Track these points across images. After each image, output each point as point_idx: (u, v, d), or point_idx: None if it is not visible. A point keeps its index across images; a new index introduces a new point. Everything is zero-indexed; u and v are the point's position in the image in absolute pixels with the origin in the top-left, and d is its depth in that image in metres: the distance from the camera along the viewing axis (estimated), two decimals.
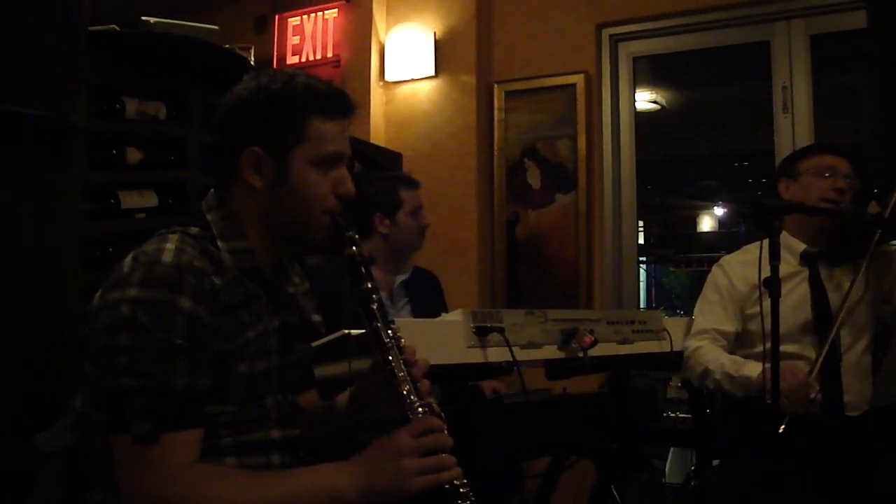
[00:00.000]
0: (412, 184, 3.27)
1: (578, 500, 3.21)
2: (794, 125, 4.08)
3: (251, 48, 4.13)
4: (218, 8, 5.09)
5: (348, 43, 4.72)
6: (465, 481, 1.51)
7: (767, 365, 2.23)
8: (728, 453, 2.88)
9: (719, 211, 10.61)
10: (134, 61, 2.98)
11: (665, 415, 3.58)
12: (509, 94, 4.57)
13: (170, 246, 1.49)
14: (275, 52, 4.86)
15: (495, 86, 4.60)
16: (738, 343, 2.79)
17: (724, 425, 2.98)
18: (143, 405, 1.38)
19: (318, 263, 2.92)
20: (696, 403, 3.22)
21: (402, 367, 1.58)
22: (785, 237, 2.72)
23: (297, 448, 1.67)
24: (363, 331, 1.67)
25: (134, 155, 3.03)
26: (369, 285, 1.63)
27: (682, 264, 10.11)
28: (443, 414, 1.58)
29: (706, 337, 2.78)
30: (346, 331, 2.07)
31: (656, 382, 3.56)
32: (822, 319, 2.67)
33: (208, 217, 1.61)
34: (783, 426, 2.35)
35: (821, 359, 2.51)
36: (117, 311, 1.41)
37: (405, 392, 1.56)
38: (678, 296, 9.75)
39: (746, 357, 2.70)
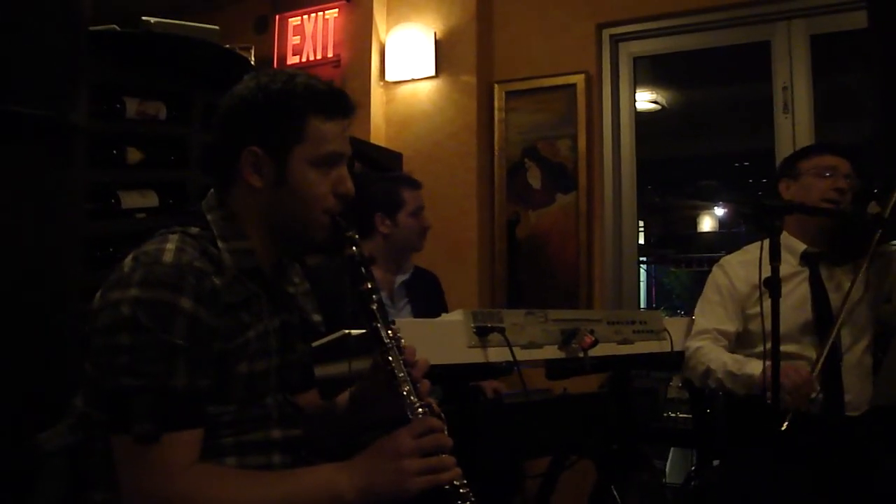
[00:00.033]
0: (414, 184, 3.27)
1: (579, 501, 3.20)
2: (794, 125, 4.08)
3: (251, 48, 4.13)
4: (218, 8, 5.10)
5: (349, 43, 4.72)
6: (466, 481, 1.51)
7: (769, 363, 2.23)
8: (728, 453, 2.88)
9: (720, 211, 10.61)
10: (134, 61, 2.98)
11: (665, 415, 3.58)
12: (510, 94, 4.57)
13: (170, 246, 1.50)
14: (275, 52, 4.86)
15: (496, 86, 4.60)
16: (738, 343, 2.79)
17: (724, 425, 2.98)
18: (143, 405, 1.38)
19: (318, 263, 2.92)
20: (696, 404, 3.22)
21: (402, 367, 1.58)
22: (785, 237, 2.72)
23: (298, 448, 1.67)
24: (363, 331, 1.67)
25: (134, 155, 3.03)
26: (369, 285, 1.63)
27: (683, 264, 10.12)
28: (443, 414, 1.58)
29: (707, 337, 2.78)
30: (347, 331, 2.07)
31: (657, 383, 3.56)
32: (822, 320, 2.67)
33: (208, 217, 1.61)
34: (786, 423, 2.36)
35: (822, 359, 2.51)
36: (118, 311, 1.41)
37: (405, 392, 1.56)
38: (678, 296, 9.76)
39: (747, 357, 2.70)
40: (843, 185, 2.70)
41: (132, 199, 3.00)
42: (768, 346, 2.24)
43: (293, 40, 4.86)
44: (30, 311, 2.13)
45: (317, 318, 1.86)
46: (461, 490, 1.50)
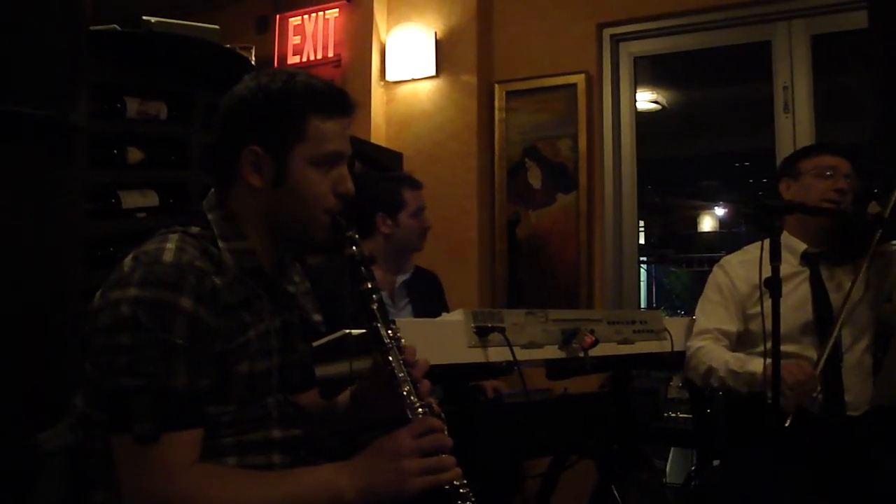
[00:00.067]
0: (415, 184, 3.27)
1: (579, 501, 3.20)
2: (794, 125, 4.08)
3: (252, 48, 4.13)
4: (219, 8, 5.10)
5: (349, 43, 4.72)
6: (466, 482, 1.51)
7: (769, 360, 2.23)
8: (728, 453, 2.88)
9: (720, 211, 10.63)
10: (135, 61, 2.98)
11: (666, 415, 3.59)
12: (510, 94, 4.57)
13: (170, 246, 1.50)
14: (276, 52, 4.86)
15: (496, 86, 4.60)
16: (739, 343, 2.79)
17: (724, 425, 2.98)
18: (143, 405, 1.38)
19: (318, 263, 2.93)
20: (696, 404, 3.23)
21: (403, 367, 1.58)
22: (786, 237, 2.72)
23: (298, 448, 1.67)
24: (364, 330, 1.67)
25: (135, 154, 3.03)
26: (369, 285, 1.63)
27: (683, 264, 10.13)
28: (443, 414, 1.58)
29: (708, 337, 2.78)
30: (347, 330, 2.07)
31: (657, 382, 3.56)
32: (822, 320, 2.67)
33: (209, 217, 1.61)
34: (789, 420, 2.37)
35: (823, 359, 2.51)
36: (118, 311, 1.41)
37: (405, 392, 1.56)
38: (679, 296, 9.76)
39: (749, 356, 2.70)
40: (843, 186, 2.70)
41: (133, 199, 3.00)
42: (769, 345, 2.24)
43: (294, 40, 4.86)
44: (30, 311, 2.13)
45: (317, 317, 1.86)
46: (461, 490, 1.50)
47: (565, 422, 2.71)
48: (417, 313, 3.16)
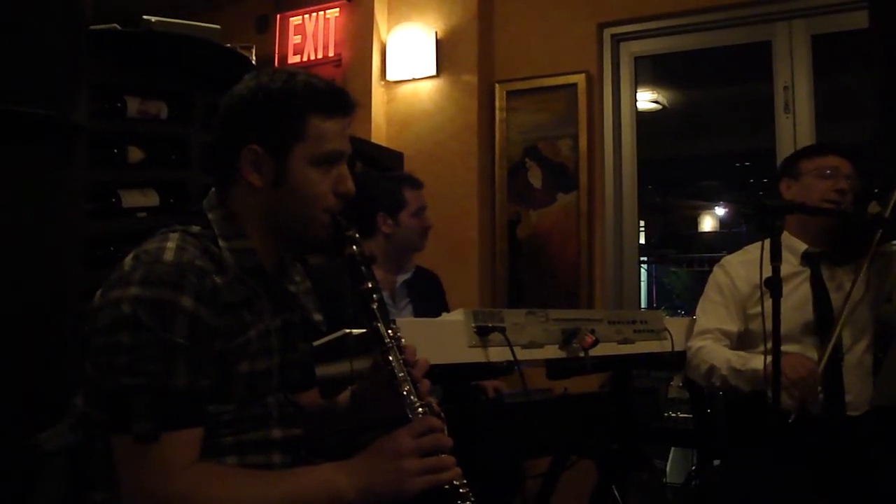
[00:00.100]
0: (416, 184, 3.27)
1: (579, 500, 3.20)
2: (795, 125, 4.08)
3: (252, 47, 4.12)
4: (219, 7, 5.10)
5: (350, 42, 4.72)
6: (465, 481, 1.51)
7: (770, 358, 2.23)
8: (729, 453, 2.88)
9: (720, 211, 10.62)
10: (135, 60, 2.98)
11: (666, 415, 3.59)
12: (511, 94, 4.57)
13: (171, 245, 1.50)
14: (276, 52, 4.86)
15: (496, 85, 4.60)
16: (740, 343, 2.79)
17: (724, 425, 2.99)
18: (143, 404, 1.38)
19: (319, 263, 2.92)
20: (696, 403, 3.23)
21: (403, 366, 1.58)
22: (786, 237, 2.72)
23: (298, 447, 1.67)
24: (364, 330, 1.67)
25: (135, 154, 3.03)
26: (370, 285, 1.63)
27: (684, 264, 10.12)
28: (443, 414, 1.58)
29: (709, 336, 2.78)
30: (348, 330, 2.07)
31: (657, 382, 3.56)
32: (823, 320, 2.67)
33: (209, 216, 1.61)
34: (792, 417, 2.37)
35: (825, 359, 2.50)
36: (118, 310, 1.41)
37: (405, 392, 1.56)
38: (679, 296, 9.76)
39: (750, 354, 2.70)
40: (844, 187, 2.70)
41: (133, 199, 3.00)
42: (769, 345, 2.25)
43: (294, 40, 4.86)
44: (30, 311, 2.13)
45: (318, 317, 1.86)
46: (461, 490, 1.50)
47: (565, 422, 2.71)
48: (418, 313, 3.16)
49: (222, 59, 3.18)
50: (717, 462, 3.11)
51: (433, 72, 4.56)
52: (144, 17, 2.95)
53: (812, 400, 2.47)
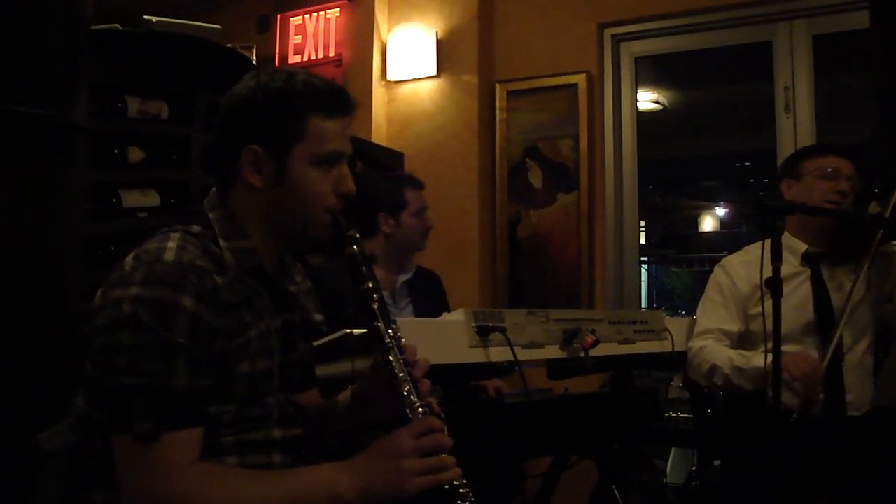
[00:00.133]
0: (417, 184, 3.27)
1: (580, 501, 3.20)
2: (796, 125, 4.07)
3: (253, 47, 4.13)
4: (220, 7, 5.10)
5: (350, 42, 4.72)
6: (465, 482, 1.51)
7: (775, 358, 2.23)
8: (729, 453, 2.88)
9: (721, 211, 10.63)
10: (136, 60, 2.98)
11: (666, 415, 3.59)
12: (511, 94, 4.57)
13: (171, 245, 1.49)
14: (277, 52, 4.86)
15: (497, 85, 4.60)
16: (740, 343, 2.79)
17: (725, 425, 2.98)
18: (144, 404, 1.38)
19: (320, 263, 2.93)
20: (697, 404, 3.22)
21: (403, 367, 1.58)
22: (787, 237, 2.72)
23: (299, 447, 1.67)
24: (365, 330, 1.67)
25: (136, 154, 3.03)
26: (370, 285, 1.63)
27: (684, 264, 10.13)
28: (443, 414, 1.58)
29: (710, 336, 2.78)
30: (348, 330, 2.07)
31: (658, 382, 3.57)
32: (824, 320, 2.67)
33: (210, 216, 1.61)
34: (796, 414, 2.37)
35: (827, 359, 2.50)
36: (119, 310, 1.41)
37: (405, 392, 1.56)
38: (679, 296, 9.76)
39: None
40: (845, 188, 2.70)
41: (134, 199, 3.01)
42: (770, 345, 2.25)
43: (295, 40, 4.86)
44: (30, 311, 2.13)
45: (318, 317, 1.86)
46: (461, 490, 1.50)
47: (566, 422, 2.71)
48: (419, 313, 3.16)
49: (223, 59, 3.18)
50: (717, 462, 3.11)
51: (434, 72, 4.56)
52: (145, 17, 2.96)
53: (815, 397, 2.46)
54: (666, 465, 4.23)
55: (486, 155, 4.54)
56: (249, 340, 1.55)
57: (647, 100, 6.21)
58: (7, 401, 2.04)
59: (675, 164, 8.44)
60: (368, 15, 4.67)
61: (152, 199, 3.06)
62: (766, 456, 2.45)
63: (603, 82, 4.46)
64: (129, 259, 1.49)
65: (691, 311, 3.26)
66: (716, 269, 2.93)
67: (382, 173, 3.92)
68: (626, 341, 2.73)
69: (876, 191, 2.71)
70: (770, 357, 2.26)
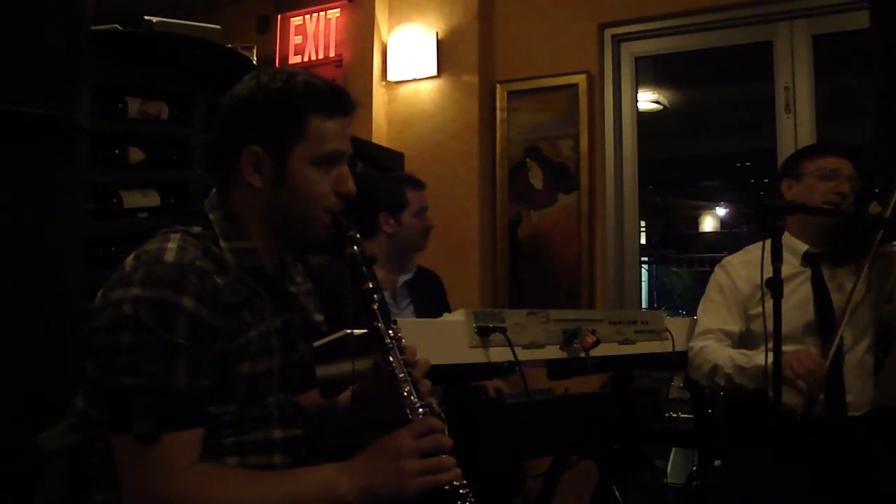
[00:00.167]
0: (418, 184, 3.27)
1: (580, 501, 3.20)
2: (796, 125, 4.08)
3: (253, 48, 4.13)
4: (220, 7, 5.10)
5: (350, 43, 4.72)
6: (465, 482, 1.51)
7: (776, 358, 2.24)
8: (730, 454, 2.88)
9: (721, 211, 10.64)
10: (136, 61, 2.98)
11: (667, 415, 3.59)
12: (511, 94, 4.57)
13: (172, 245, 1.50)
14: (277, 52, 4.86)
15: (497, 86, 4.60)
16: (741, 344, 2.78)
17: (725, 425, 2.98)
18: (144, 405, 1.38)
19: (320, 263, 2.93)
20: (697, 404, 3.22)
21: (403, 367, 1.58)
22: (787, 238, 2.72)
23: (299, 448, 1.67)
24: (365, 331, 1.67)
25: (136, 154, 3.03)
26: (370, 285, 1.63)
27: (684, 264, 10.13)
28: (443, 414, 1.58)
29: (711, 336, 2.78)
30: (348, 330, 2.07)
31: (658, 383, 3.57)
32: (824, 320, 2.67)
33: (210, 217, 1.61)
34: (799, 413, 2.38)
35: (829, 359, 2.50)
36: (119, 311, 1.41)
37: (406, 392, 1.56)
38: (680, 296, 9.76)
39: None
40: (844, 189, 2.70)
41: (134, 199, 3.01)
42: (770, 345, 2.25)
43: (295, 40, 4.86)
44: (30, 311, 2.13)
45: (319, 317, 1.86)
46: (461, 490, 1.50)
47: (566, 422, 2.71)
48: (420, 313, 3.16)
49: (223, 60, 3.18)
50: (717, 462, 3.11)
51: (434, 72, 4.56)
52: (145, 17, 2.96)
53: (819, 394, 2.46)
54: (666, 466, 4.23)
55: (486, 155, 4.54)
56: (250, 341, 1.55)
57: (647, 100, 6.22)
58: (8, 401, 2.04)
59: (675, 164, 8.45)
60: (369, 15, 4.67)
61: (153, 199, 3.06)
62: (767, 456, 2.45)
63: (603, 82, 4.46)
64: (129, 260, 1.49)
65: (692, 312, 3.26)
66: (716, 269, 2.92)
67: (383, 173, 3.92)
68: (626, 341, 2.73)
69: (876, 191, 2.71)
70: (771, 356, 2.26)
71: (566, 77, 4.43)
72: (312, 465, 1.63)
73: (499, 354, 2.32)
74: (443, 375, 2.01)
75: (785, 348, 2.32)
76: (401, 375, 1.57)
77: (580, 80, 4.40)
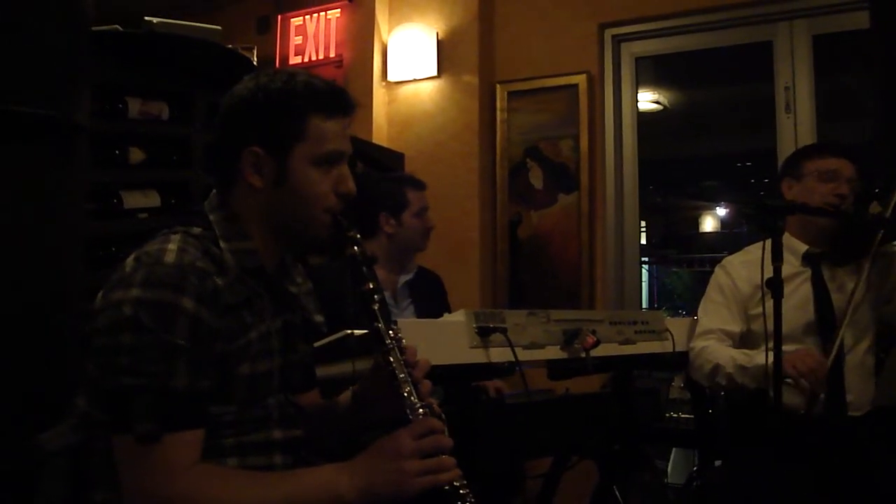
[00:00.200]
0: (419, 185, 3.27)
1: (580, 501, 3.20)
2: (796, 125, 4.08)
3: (254, 48, 4.13)
4: (220, 8, 5.10)
5: (351, 43, 4.72)
6: (465, 482, 1.51)
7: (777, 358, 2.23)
8: (730, 454, 2.88)
9: (721, 211, 10.64)
10: (137, 61, 2.99)
11: (667, 415, 3.59)
12: (512, 95, 4.57)
13: (172, 246, 1.50)
14: (277, 53, 4.86)
15: (498, 86, 4.60)
16: (742, 344, 2.78)
17: (726, 426, 2.98)
18: (144, 405, 1.38)
19: (320, 263, 2.93)
20: (698, 404, 3.22)
21: (403, 367, 1.58)
22: (787, 238, 2.72)
23: (299, 449, 1.67)
24: (365, 331, 1.67)
25: (136, 155, 3.03)
26: (371, 285, 1.63)
27: (685, 265, 10.13)
28: (443, 415, 1.58)
29: (712, 337, 2.78)
30: (349, 331, 2.07)
31: (659, 383, 3.56)
32: (824, 320, 2.67)
33: (211, 217, 1.62)
34: (802, 411, 2.38)
35: (832, 357, 2.50)
36: (119, 312, 1.41)
37: (406, 393, 1.56)
38: (680, 296, 9.77)
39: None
40: (844, 191, 2.70)
41: (134, 199, 3.01)
42: (771, 345, 2.24)
43: (295, 40, 4.86)
44: (30, 311, 2.13)
45: (319, 318, 1.86)
46: (461, 491, 1.50)
47: (567, 422, 2.71)
48: (420, 313, 3.16)
49: (224, 60, 3.18)
50: (718, 463, 3.11)
51: (434, 72, 4.56)
52: (146, 18, 2.96)
53: (821, 392, 2.46)
54: (667, 466, 4.23)
55: (486, 155, 4.54)
56: (250, 342, 1.55)
57: (647, 100, 6.22)
58: (8, 401, 2.04)
59: (675, 164, 8.45)
60: (369, 16, 4.68)
61: (153, 199, 3.06)
62: (767, 456, 2.45)
63: (603, 83, 4.46)
64: (129, 260, 1.50)
65: (692, 312, 3.26)
66: (716, 269, 2.92)
67: (383, 174, 3.92)
68: (626, 342, 2.73)
69: (876, 191, 2.71)
70: (772, 356, 2.26)
71: (566, 77, 4.44)
72: (313, 465, 1.63)
73: (499, 355, 2.32)
74: (443, 376, 2.01)
75: (785, 348, 2.32)
76: (401, 376, 1.57)
77: (580, 80, 4.40)
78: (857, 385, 2.66)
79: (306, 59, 4.80)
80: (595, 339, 2.51)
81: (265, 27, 5.02)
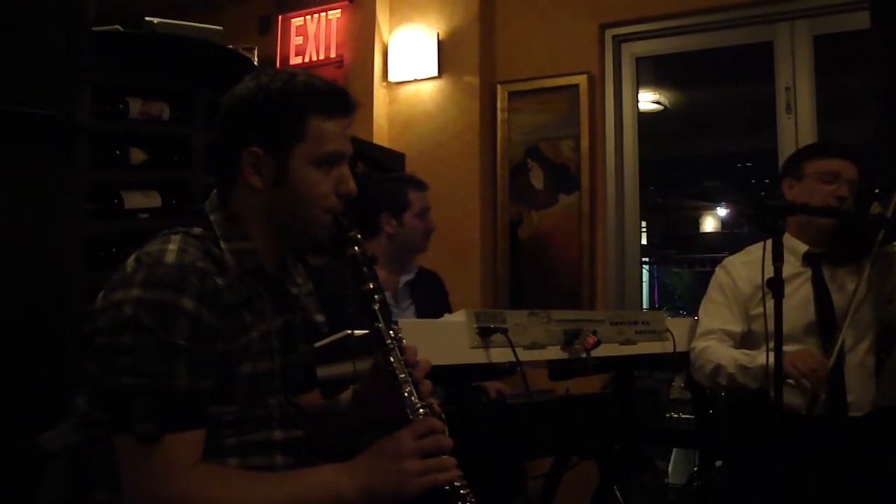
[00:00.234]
0: (420, 185, 3.27)
1: (581, 501, 3.20)
2: (797, 126, 4.07)
3: (254, 49, 4.12)
4: (221, 8, 5.10)
5: (351, 43, 4.72)
6: (466, 482, 1.51)
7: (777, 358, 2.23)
8: (731, 454, 2.88)
9: (722, 211, 10.63)
10: (137, 61, 2.99)
11: (668, 416, 3.59)
12: (512, 95, 4.57)
13: (172, 247, 1.50)
14: (278, 53, 4.86)
15: (498, 86, 4.60)
16: (743, 344, 2.78)
17: (727, 426, 2.98)
18: (145, 405, 1.38)
19: (321, 263, 2.93)
20: (698, 404, 3.22)
21: (404, 367, 1.58)
22: (787, 238, 2.72)
23: (300, 449, 1.67)
24: (366, 331, 1.67)
25: (137, 155, 3.03)
26: (371, 286, 1.63)
27: (685, 265, 10.13)
28: (444, 415, 1.58)
29: (713, 337, 2.78)
30: (349, 331, 2.07)
31: (659, 383, 3.57)
32: (825, 320, 2.67)
33: (211, 217, 1.62)
34: (804, 411, 2.38)
35: (832, 359, 2.50)
36: (120, 312, 1.41)
37: (406, 393, 1.56)
38: (681, 296, 9.76)
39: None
40: (844, 193, 2.69)
41: (135, 200, 3.01)
42: (772, 345, 2.24)
43: (296, 41, 4.86)
44: (30, 311, 2.13)
45: (319, 318, 1.86)
46: (461, 491, 1.50)
47: (567, 422, 2.71)
48: (421, 314, 3.16)
49: (224, 61, 3.18)
50: (719, 463, 3.11)
51: (435, 73, 4.56)
52: (146, 18, 2.96)
53: (822, 392, 2.46)
54: (667, 466, 4.23)
55: (487, 156, 4.54)
56: (250, 341, 1.55)
57: (648, 100, 6.22)
58: (8, 401, 2.04)
59: (676, 164, 8.45)
60: (369, 16, 4.68)
61: (154, 200, 3.06)
62: (768, 456, 2.45)
63: (604, 83, 4.46)
64: (130, 261, 1.50)
65: (693, 312, 3.26)
66: (717, 269, 2.92)
67: (384, 174, 3.92)
68: (627, 342, 2.73)
69: (877, 191, 2.71)
70: (773, 356, 2.26)
71: (567, 77, 4.43)
72: (314, 465, 1.63)
73: (500, 355, 2.32)
74: (444, 376, 2.01)
75: (786, 348, 2.32)
76: (402, 376, 1.57)
77: (581, 80, 4.40)
78: (858, 385, 2.66)
79: (307, 60, 4.80)
80: (596, 339, 2.51)
81: (266, 27, 5.02)
